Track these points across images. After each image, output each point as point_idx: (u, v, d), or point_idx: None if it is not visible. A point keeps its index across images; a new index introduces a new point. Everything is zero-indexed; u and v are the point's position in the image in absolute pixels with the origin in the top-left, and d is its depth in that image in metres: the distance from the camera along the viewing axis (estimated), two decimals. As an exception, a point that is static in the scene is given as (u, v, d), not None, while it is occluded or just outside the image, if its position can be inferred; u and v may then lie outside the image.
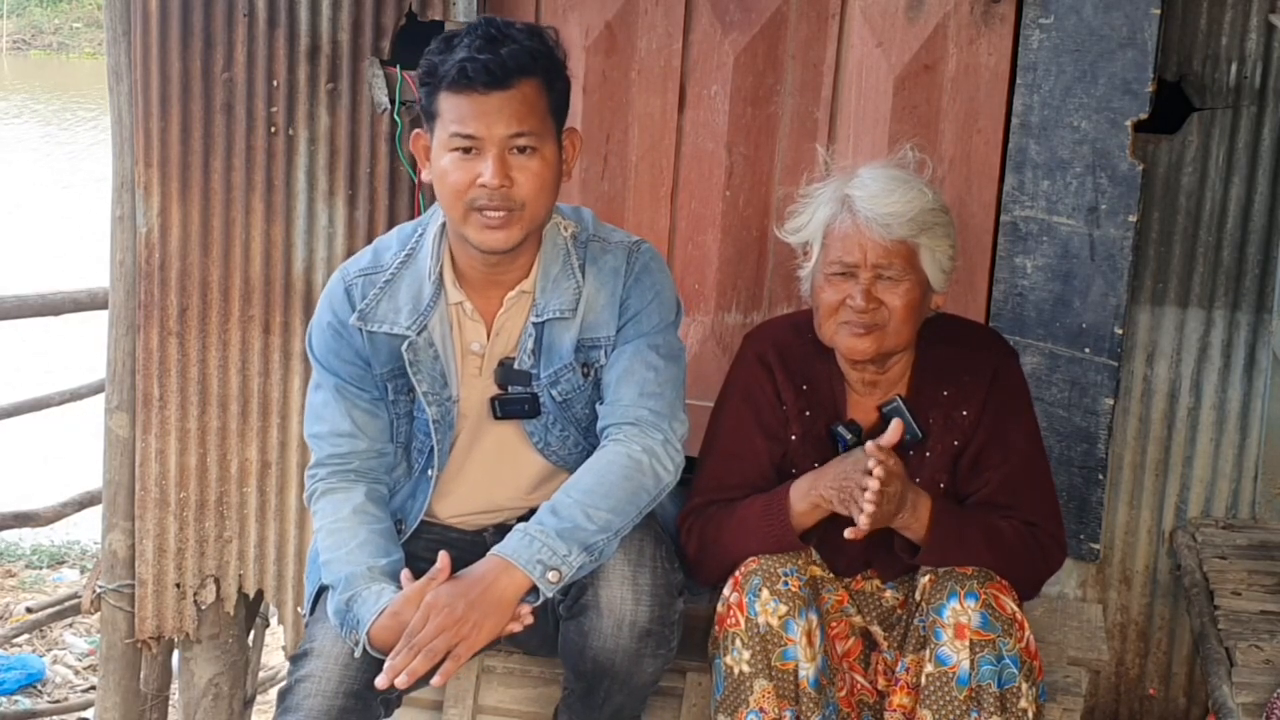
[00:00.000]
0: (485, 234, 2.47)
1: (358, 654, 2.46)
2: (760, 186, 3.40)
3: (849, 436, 2.66)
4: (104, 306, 3.86)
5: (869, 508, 2.43)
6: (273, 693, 5.20)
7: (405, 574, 2.48)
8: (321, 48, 3.39)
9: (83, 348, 7.24)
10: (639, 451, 2.52)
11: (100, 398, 3.81)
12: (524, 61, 2.44)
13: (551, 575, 2.39)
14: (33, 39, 22.61)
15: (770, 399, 2.71)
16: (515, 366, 2.61)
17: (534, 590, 2.40)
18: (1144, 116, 3.04)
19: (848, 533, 2.48)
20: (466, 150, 2.44)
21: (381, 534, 2.59)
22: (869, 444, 2.50)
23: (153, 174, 3.48)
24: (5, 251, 11.05)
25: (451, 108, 2.44)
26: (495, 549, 2.43)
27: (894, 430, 2.54)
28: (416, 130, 2.58)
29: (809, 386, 2.71)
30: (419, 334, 2.58)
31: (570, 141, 2.56)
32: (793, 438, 2.70)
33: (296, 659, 2.56)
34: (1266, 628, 2.84)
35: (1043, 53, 3.12)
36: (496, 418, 2.65)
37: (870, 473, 2.45)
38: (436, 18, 3.33)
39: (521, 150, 2.45)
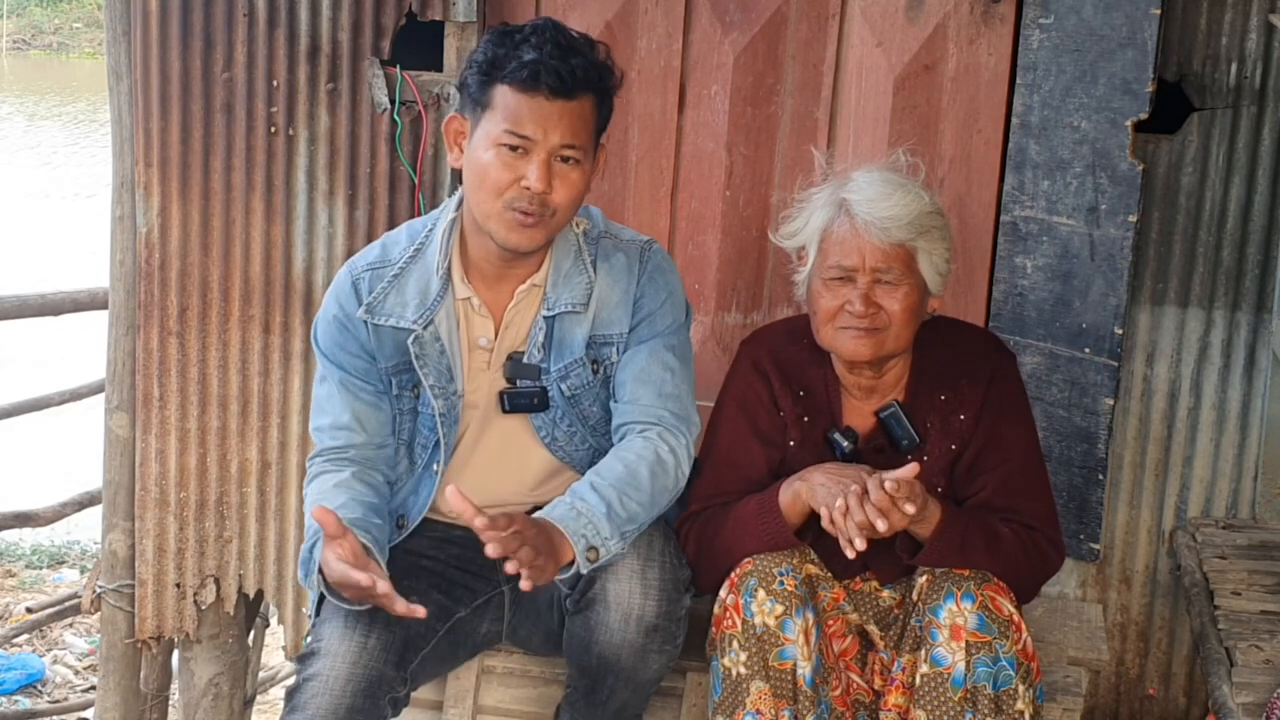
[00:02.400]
0: (513, 232, 2.48)
1: (314, 597, 2.48)
2: (760, 187, 3.40)
3: (845, 443, 2.65)
4: (104, 306, 3.86)
5: (857, 536, 2.41)
6: (273, 693, 5.22)
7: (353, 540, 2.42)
8: (321, 48, 3.40)
9: (83, 348, 7.24)
10: (666, 451, 2.54)
11: (100, 398, 3.80)
12: (591, 76, 2.46)
13: (590, 554, 2.38)
14: (33, 39, 22.62)
15: (767, 406, 2.70)
16: (524, 360, 2.62)
17: (571, 564, 2.38)
18: (1144, 116, 3.04)
19: (820, 513, 2.48)
20: (515, 149, 2.44)
21: (361, 503, 2.57)
22: (893, 480, 2.43)
23: (153, 174, 3.48)
24: (7, 251, 11.06)
25: (510, 104, 2.44)
26: (544, 513, 2.40)
27: (909, 471, 2.47)
28: (452, 114, 2.57)
29: (805, 393, 2.70)
30: (425, 328, 2.58)
31: (600, 158, 2.58)
32: (791, 444, 2.70)
33: (303, 658, 2.55)
34: (1266, 628, 2.84)
35: (1043, 53, 3.12)
36: (505, 411, 2.65)
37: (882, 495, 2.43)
38: (436, 18, 3.33)
39: (566, 160, 2.47)
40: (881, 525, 2.41)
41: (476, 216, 2.52)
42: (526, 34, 2.45)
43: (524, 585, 2.30)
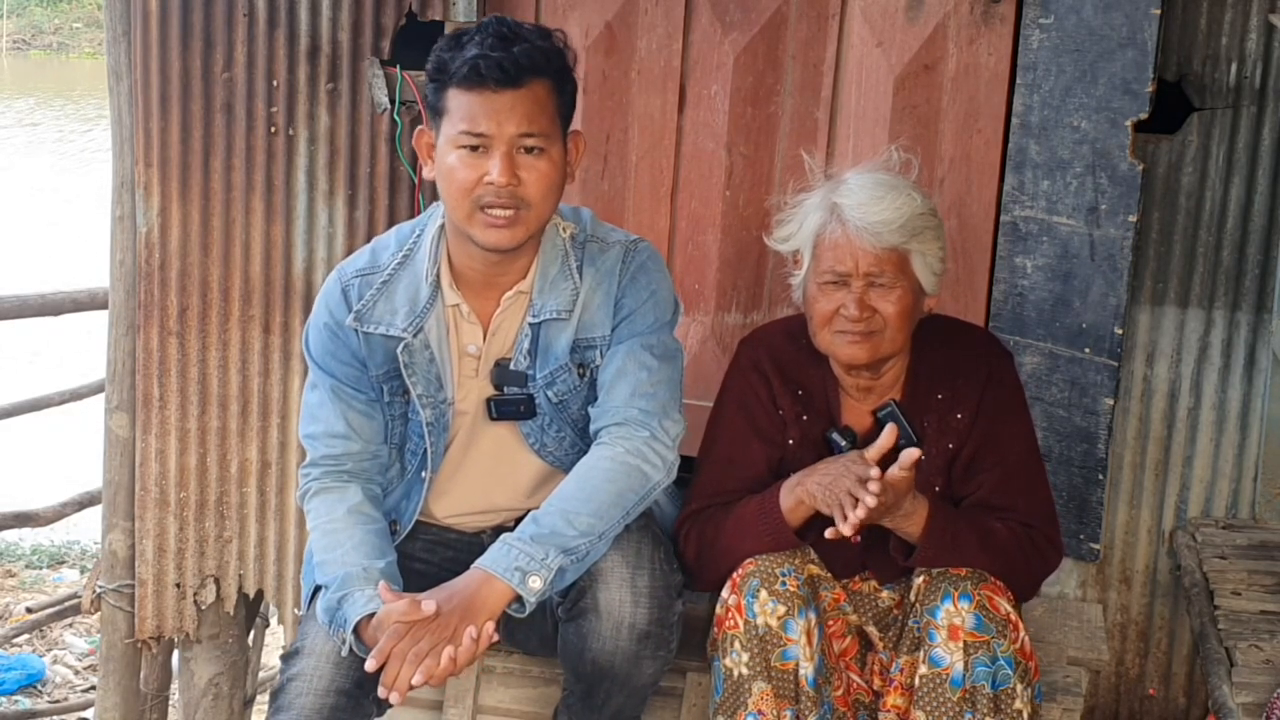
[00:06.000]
0: (490, 233, 2.47)
1: (344, 652, 2.45)
2: (760, 186, 3.40)
3: (843, 443, 2.66)
4: (104, 306, 3.86)
5: (853, 519, 2.44)
6: (274, 693, 5.20)
7: (383, 585, 2.44)
8: (321, 48, 3.39)
9: (83, 348, 7.24)
10: (623, 454, 2.51)
11: (100, 398, 3.81)
12: (537, 61, 2.44)
13: (532, 581, 2.37)
14: (33, 39, 22.64)
15: (766, 405, 2.71)
16: (511, 367, 2.61)
17: (518, 599, 2.39)
18: (1144, 116, 3.03)
19: (828, 533, 2.49)
20: (474, 148, 2.43)
21: (376, 534, 2.58)
22: (867, 452, 2.50)
23: (153, 174, 3.48)
24: (8, 251, 11.06)
25: (461, 105, 2.43)
26: (476, 562, 2.42)
27: (888, 435, 2.53)
28: (420, 127, 2.57)
29: (804, 392, 2.71)
30: (415, 336, 2.57)
31: (575, 144, 2.55)
32: (790, 442, 2.70)
33: (287, 657, 2.55)
34: (1266, 628, 2.84)
35: (1043, 53, 3.12)
36: (492, 419, 2.64)
37: (865, 483, 2.45)
38: (436, 18, 3.33)
39: (529, 150, 2.45)
40: (870, 500, 2.43)
41: (455, 222, 2.51)
42: (472, 34, 2.45)
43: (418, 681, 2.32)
